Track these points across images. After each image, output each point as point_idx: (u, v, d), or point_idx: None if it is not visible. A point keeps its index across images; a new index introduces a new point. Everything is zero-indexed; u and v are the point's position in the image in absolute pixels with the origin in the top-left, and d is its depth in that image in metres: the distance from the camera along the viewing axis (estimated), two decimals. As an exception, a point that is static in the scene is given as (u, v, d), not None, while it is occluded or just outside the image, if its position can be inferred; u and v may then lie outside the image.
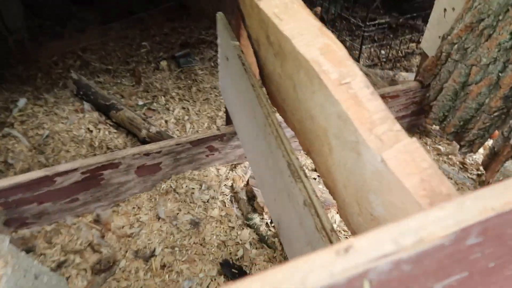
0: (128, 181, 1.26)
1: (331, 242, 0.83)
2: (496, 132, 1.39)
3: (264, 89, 1.19)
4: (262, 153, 1.11)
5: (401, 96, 1.54)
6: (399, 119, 1.62)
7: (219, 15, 1.26)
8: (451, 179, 1.43)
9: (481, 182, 1.40)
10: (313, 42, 0.76)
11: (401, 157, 0.59)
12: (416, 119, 1.64)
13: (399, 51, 2.24)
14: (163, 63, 2.21)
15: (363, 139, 0.62)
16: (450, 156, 1.53)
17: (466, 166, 1.50)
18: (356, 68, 0.71)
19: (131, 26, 2.65)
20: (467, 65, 1.38)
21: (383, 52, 2.22)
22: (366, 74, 1.74)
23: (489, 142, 1.49)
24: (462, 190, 1.39)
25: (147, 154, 1.23)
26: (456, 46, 1.41)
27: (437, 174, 0.57)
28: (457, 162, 1.51)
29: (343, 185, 0.75)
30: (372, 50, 2.28)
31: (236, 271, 1.13)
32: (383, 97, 1.50)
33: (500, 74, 1.31)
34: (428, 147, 1.59)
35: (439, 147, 1.58)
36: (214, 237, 1.23)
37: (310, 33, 0.78)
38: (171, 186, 1.32)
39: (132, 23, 2.68)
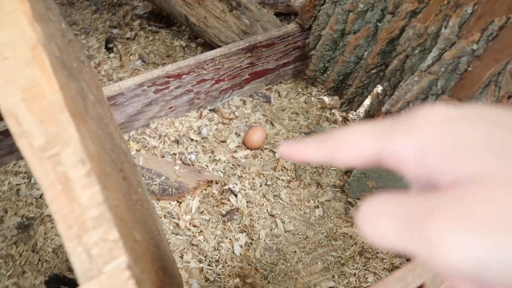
0: None
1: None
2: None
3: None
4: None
5: (278, 44, 1.29)
6: (281, 66, 1.39)
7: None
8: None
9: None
10: (16, 75, 0.50)
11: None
12: (301, 65, 1.42)
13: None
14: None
15: (69, 252, 0.43)
16: (333, 111, 1.37)
17: (348, 122, 1.35)
18: (72, 126, 0.48)
19: None
20: (344, 10, 1.13)
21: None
22: (246, 8, 1.44)
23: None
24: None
25: None
26: (333, -17, 1.14)
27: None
28: (340, 118, 1.35)
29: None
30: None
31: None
32: (256, 47, 1.25)
33: (378, 24, 1.09)
34: (312, 98, 1.41)
35: (325, 98, 1.40)
36: (49, 241, 1.07)
37: (17, 57, 0.51)
38: (-11, 185, 1.10)
39: None
